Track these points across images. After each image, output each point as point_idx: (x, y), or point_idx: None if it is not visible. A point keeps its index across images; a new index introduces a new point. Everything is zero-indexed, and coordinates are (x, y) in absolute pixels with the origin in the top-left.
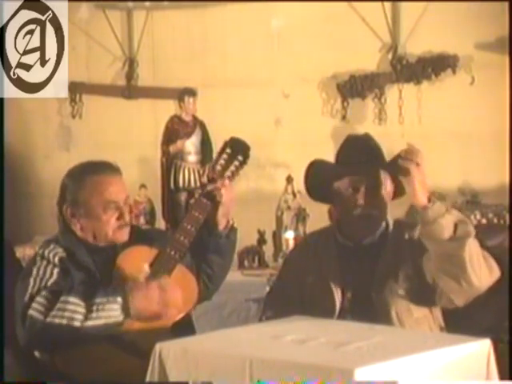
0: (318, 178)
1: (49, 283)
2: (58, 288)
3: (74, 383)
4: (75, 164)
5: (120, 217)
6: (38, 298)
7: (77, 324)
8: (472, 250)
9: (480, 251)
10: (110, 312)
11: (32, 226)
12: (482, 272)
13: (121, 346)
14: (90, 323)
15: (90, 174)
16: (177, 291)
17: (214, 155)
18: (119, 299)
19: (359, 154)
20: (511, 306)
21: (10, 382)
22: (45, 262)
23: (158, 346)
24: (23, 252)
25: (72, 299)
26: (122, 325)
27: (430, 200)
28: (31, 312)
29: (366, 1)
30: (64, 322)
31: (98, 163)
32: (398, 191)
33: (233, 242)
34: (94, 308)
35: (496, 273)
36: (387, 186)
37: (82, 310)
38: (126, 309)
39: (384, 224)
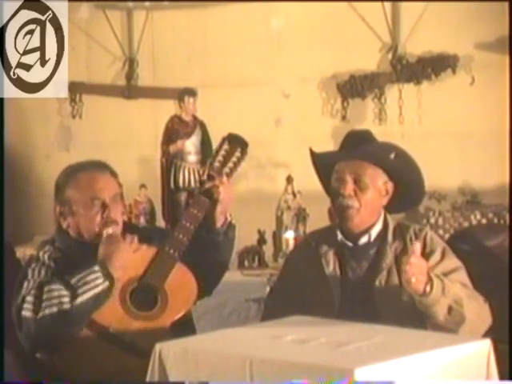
0: (320, 166)
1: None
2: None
3: (73, 383)
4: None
5: (105, 214)
6: (28, 298)
7: (67, 306)
8: (466, 329)
9: (476, 309)
10: (94, 282)
11: (32, 226)
12: (476, 332)
13: (121, 345)
14: (79, 300)
15: (76, 172)
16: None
17: None
18: (96, 268)
19: (353, 146)
20: (511, 305)
21: (9, 381)
22: (39, 264)
23: (157, 346)
24: (23, 252)
25: (54, 286)
26: (111, 291)
27: (427, 283)
28: (24, 313)
29: (366, 1)
30: (54, 309)
31: (87, 162)
32: (404, 198)
33: (231, 239)
34: (77, 285)
35: (487, 322)
36: (377, 182)
37: (65, 292)
38: (106, 273)
39: (381, 224)
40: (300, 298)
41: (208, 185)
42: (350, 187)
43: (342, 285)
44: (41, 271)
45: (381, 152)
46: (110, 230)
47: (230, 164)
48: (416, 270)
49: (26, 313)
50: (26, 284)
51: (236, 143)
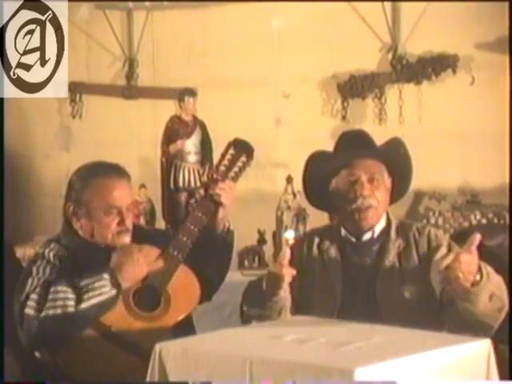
0: (316, 175)
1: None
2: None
3: (74, 383)
4: (83, 163)
5: (121, 222)
6: (32, 295)
7: (71, 310)
8: (502, 317)
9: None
10: (101, 289)
11: (32, 226)
12: (498, 318)
13: (121, 345)
14: (83, 305)
15: (96, 176)
16: (154, 253)
17: (214, 155)
18: (106, 275)
19: (354, 147)
20: (511, 306)
21: (9, 381)
22: (44, 262)
23: (157, 346)
24: (23, 252)
25: (60, 287)
26: (116, 300)
27: (475, 279)
28: (27, 310)
29: (366, 1)
30: (58, 311)
31: (107, 165)
32: (397, 190)
33: (230, 245)
34: (84, 290)
35: (505, 310)
36: (384, 179)
37: (71, 295)
38: (115, 282)
39: (385, 222)
40: (301, 293)
41: (213, 189)
42: (367, 187)
43: (344, 280)
44: (46, 269)
45: (391, 150)
46: (125, 239)
47: (236, 169)
48: (466, 267)
49: (29, 310)
50: (30, 281)
51: (242, 148)
